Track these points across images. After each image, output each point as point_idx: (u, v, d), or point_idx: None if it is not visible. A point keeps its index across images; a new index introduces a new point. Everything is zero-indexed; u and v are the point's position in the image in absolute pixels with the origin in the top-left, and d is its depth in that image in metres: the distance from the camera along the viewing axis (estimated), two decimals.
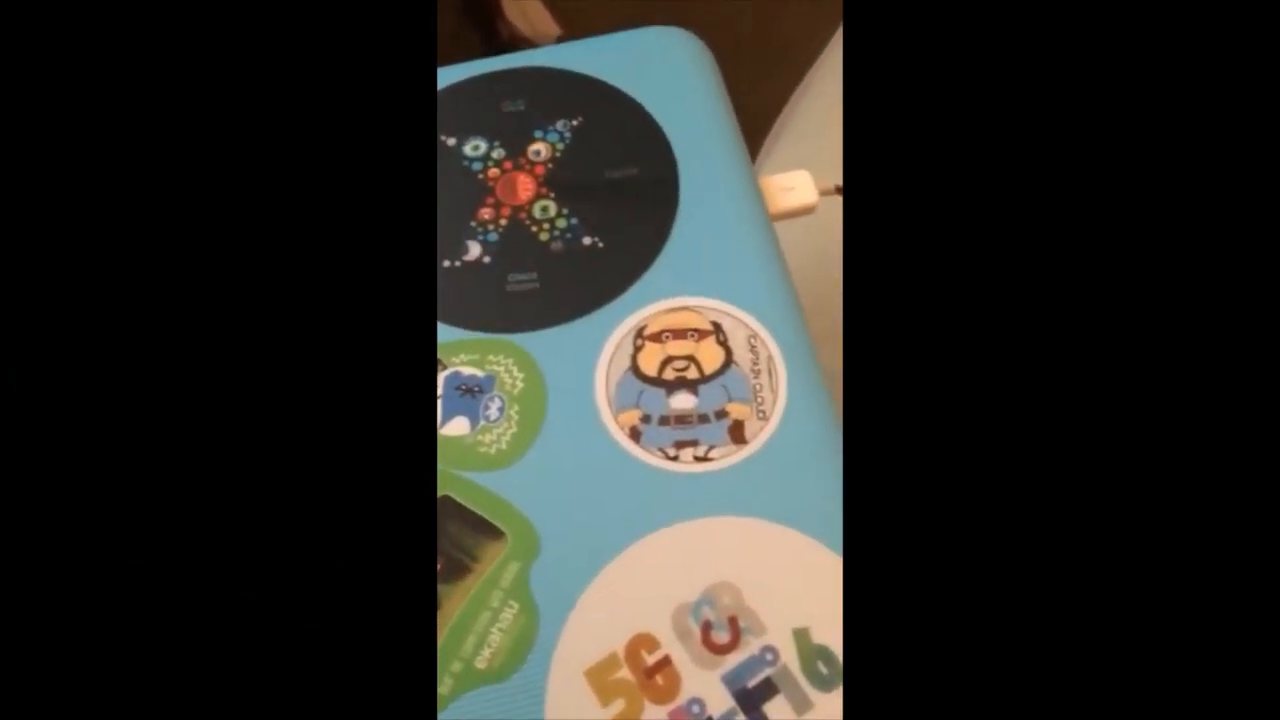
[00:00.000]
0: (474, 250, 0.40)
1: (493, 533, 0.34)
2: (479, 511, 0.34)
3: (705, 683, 0.31)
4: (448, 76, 0.45)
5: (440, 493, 0.35)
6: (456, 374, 0.37)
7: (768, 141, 0.65)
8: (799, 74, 0.69)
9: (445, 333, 0.38)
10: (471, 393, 0.37)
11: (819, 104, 0.62)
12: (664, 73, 0.44)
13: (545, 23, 1.11)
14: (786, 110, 0.66)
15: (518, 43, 1.10)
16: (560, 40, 1.11)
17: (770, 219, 0.40)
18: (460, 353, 0.37)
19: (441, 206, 0.41)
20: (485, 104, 0.43)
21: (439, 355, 0.37)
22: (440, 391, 0.37)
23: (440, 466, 0.35)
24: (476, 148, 0.42)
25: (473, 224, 0.40)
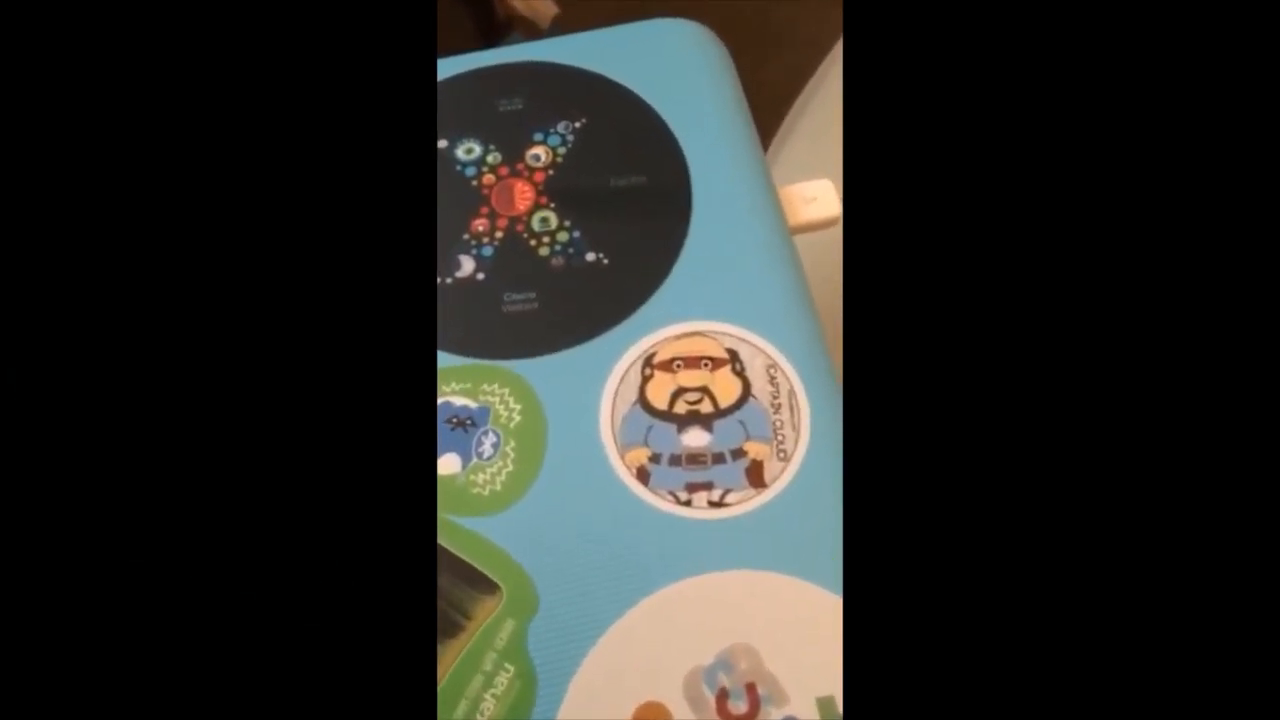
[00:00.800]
0: (467, 266, 0.36)
1: (486, 586, 0.30)
2: (471, 561, 0.31)
3: None
4: (437, 71, 0.41)
5: None
6: (448, 404, 0.34)
7: (776, 140, 0.61)
8: (811, 63, 0.65)
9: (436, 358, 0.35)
10: (464, 426, 0.33)
11: (836, 97, 0.58)
12: (674, 69, 0.40)
13: (543, 1, 1.07)
14: (798, 105, 0.63)
15: (514, 22, 1.06)
16: (558, 19, 1.06)
17: (790, 233, 0.37)
18: (452, 380, 0.34)
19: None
20: (479, 102, 0.40)
21: None
22: None
23: None
24: (470, 151, 0.39)
25: (466, 237, 0.37)
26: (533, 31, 1.04)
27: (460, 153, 0.39)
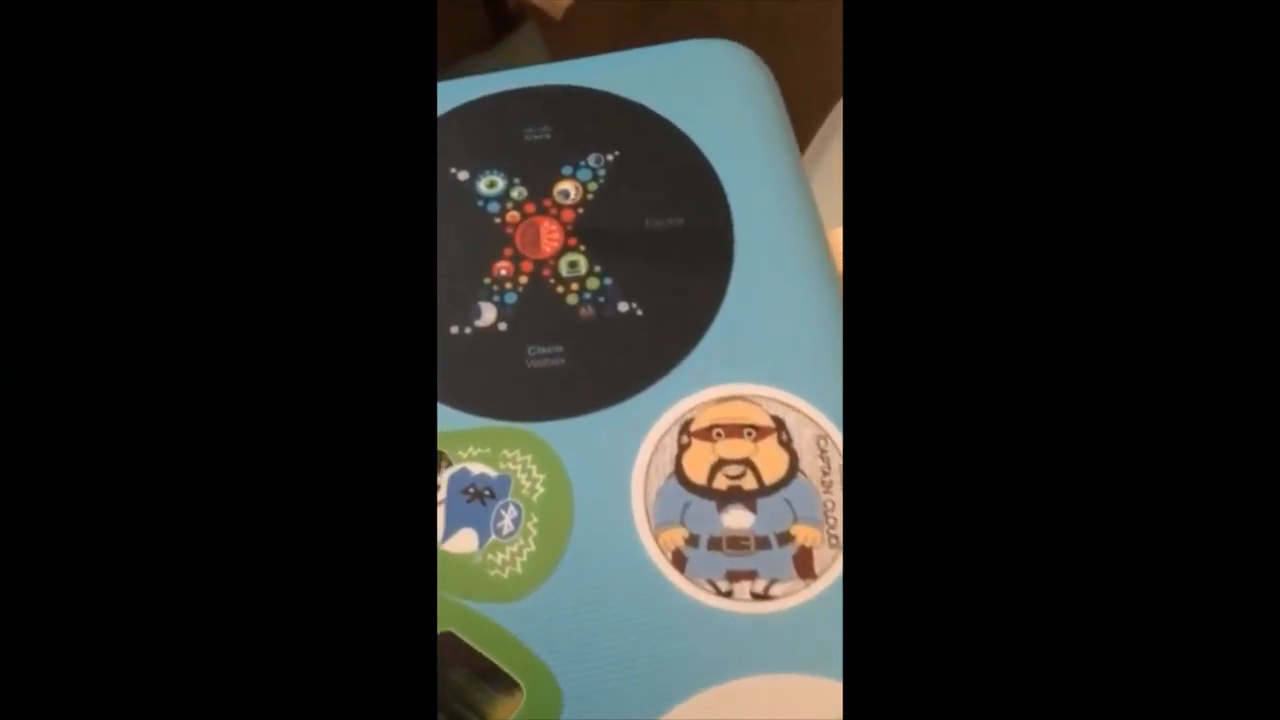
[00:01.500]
0: (488, 314, 0.33)
1: (504, 684, 0.27)
2: (488, 654, 0.28)
3: None
4: (457, 92, 0.38)
5: (441, 627, 0.28)
6: (464, 472, 0.31)
7: (804, 161, 0.58)
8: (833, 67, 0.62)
9: (450, 418, 0.32)
10: (481, 497, 0.30)
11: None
12: (716, 98, 0.37)
13: None
14: (830, 123, 0.59)
15: (527, 12, 1.02)
16: (570, 11, 1.03)
17: (844, 285, 0.34)
18: (469, 444, 0.31)
19: (449, 257, 0.34)
20: (504, 130, 0.37)
21: (441, 447, 0.31)
22: (443, 495, 0.30)
23: (441, 593, 0.29)
24: (493, 184, 0.36)
25: (487, 281, 0.34)
26: (546, 22, 1.00)
27: (482, 186, 0.36)
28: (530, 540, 0.29)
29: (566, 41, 0.98)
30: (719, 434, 0.31)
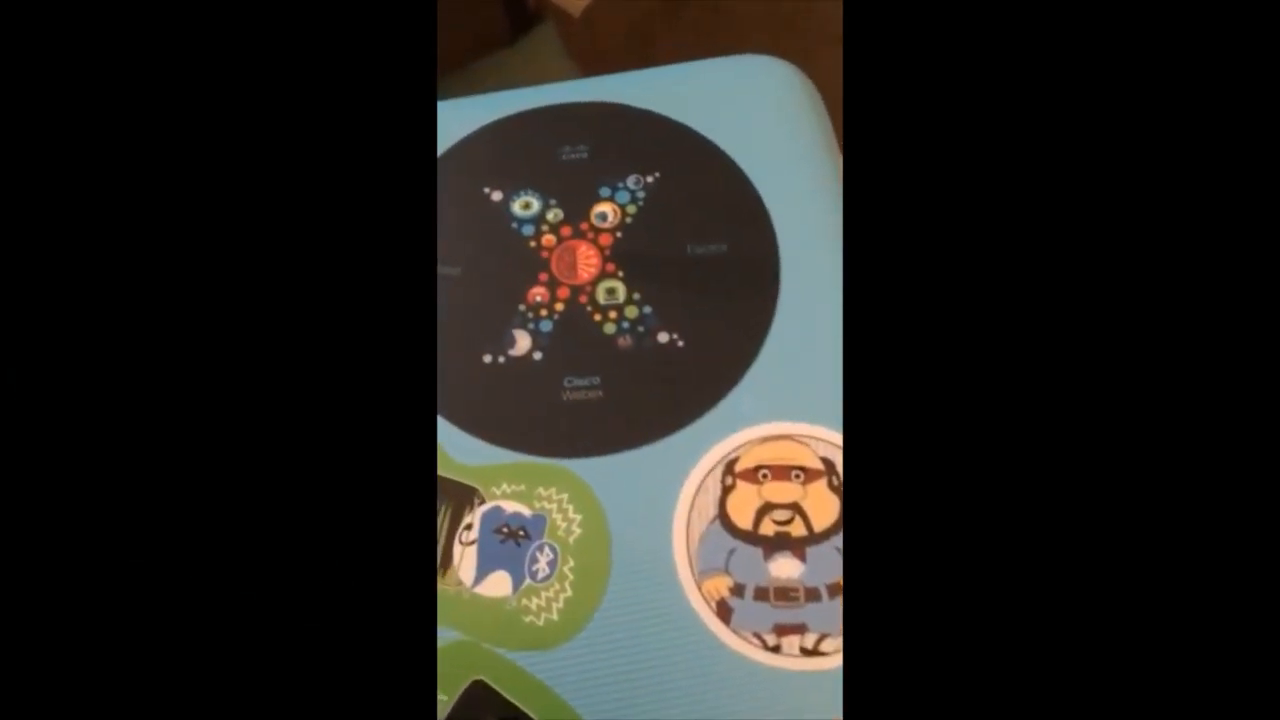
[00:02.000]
0: (523, 343, 0.32)
1: None
2: (521, 705, 0.27)
3: None
4: (489, 108, 0.37)
5: (472, 675, 0.27)
6: (497, 511, 0.29)
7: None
8: None
9: (483, 452, 0.30)
10: (515, 538, 0.29)
11: None
12: (760, 117, 0.36)
13: None
14: None
15: (546, 10, 1.01)
16: (589, 10, 1.02)
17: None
18: (503, 481, 0.30)
19: (482, 281, 0.33)
20: (539, 149, 0.35)
21: (474, 482, 0.30)
22: (475, 535, 0.29)
23: (472, 639, 0.28)
24: (528, 206, 0.34)
25: (522, 308, 0.32)
26: (564, 21, 0.99)
27: (516, 207, 0.34)
28: (567, 585, 0.28)
29: (585, 41, 0.96)
30: (765, 475, 0.29)
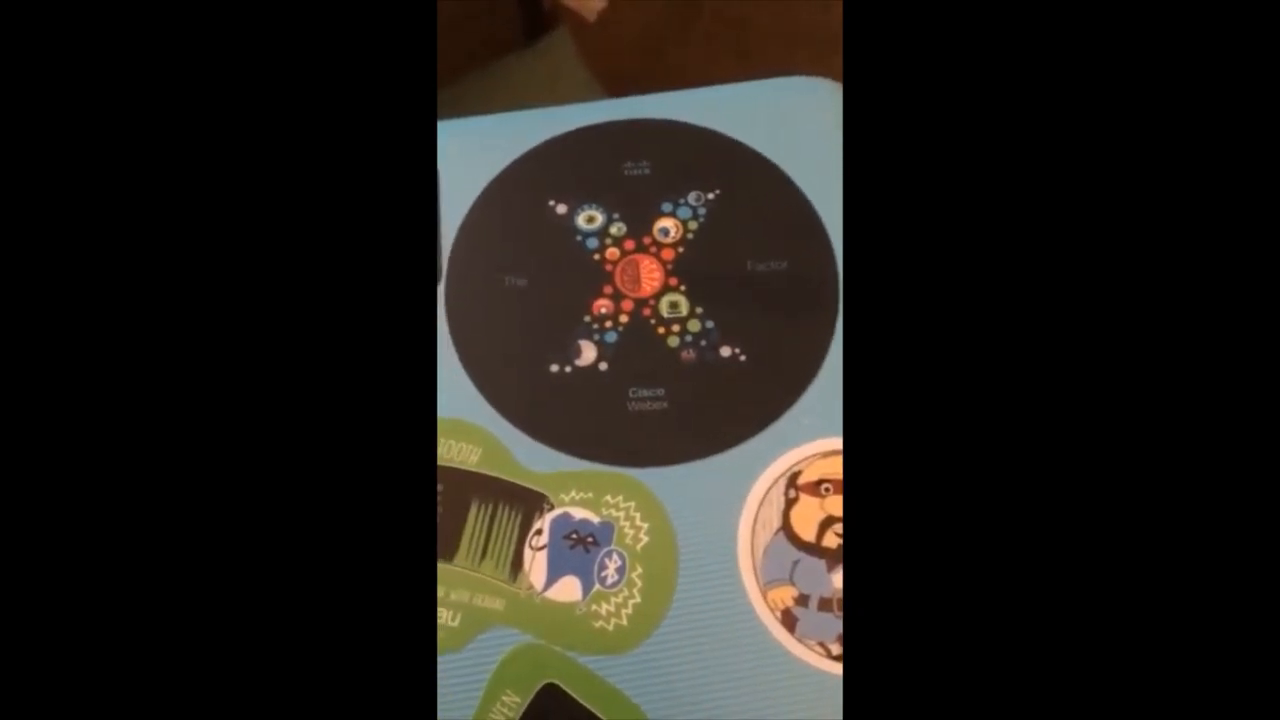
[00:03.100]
0: (588, 353, 0.33)
1: None
2: (592, 708, 0.27)
3: None
4: (554, 122, 0.37)
5: (544, 679, 0.28)
6: (566, 517, 0.30)
7: None
8: None
9: (551, 459, 0.31)
10: (584, 544, 0.30)
11: None
12: (816, 137, 0.36)
13: None
14: None
15: (561, 14, 1.02)
16: (604, 13, 1.03)
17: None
18: (571, 488, 0.30)
19: (550, 291, 0.34)
20: (602, 163, 0.36)
21: (543, 489, 0.31)
22: (546, 540, 0.30)
23: (544, 641, 0.28)
24: (592, 219, 0.35)
25: (587, 319, 0.33)
26: (579, 25, 1.00)
27: (581, 220, 0.35)
28: (635, 592, 0.29)
29: (599, 45, 0.97)
30: (828, 489, 0.30)
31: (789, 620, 0.28)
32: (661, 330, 0.33)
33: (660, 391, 0.32)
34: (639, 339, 0.33)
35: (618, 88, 0.84)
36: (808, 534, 0.29)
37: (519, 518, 0.30)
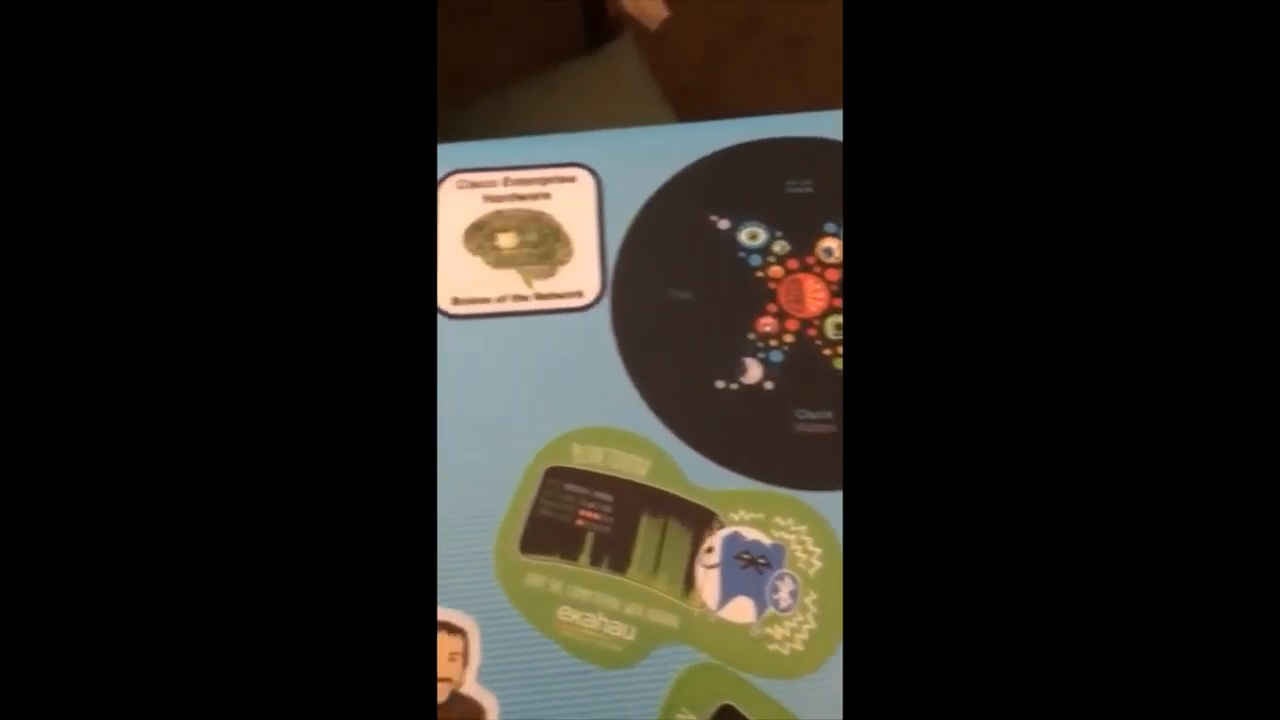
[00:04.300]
0: (754, 371, 0.32)
1: None
2: None
3: None
4: (714, 136, 0.37)
5: (720, 699, 0.28)
6: (737, 537, 0.30)
7: None
8: None
9: (720, 477, 0.31)
10: (756, 565, 0.29)
11: None
12: None
13: (653, 3, 1.04)
14: None
15: (625, 21, 1.02)
16: (667, 22, 1.03)
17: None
18: (740, 507, 0.30)
19: (713, 307, 0.33)
20: (764, 179, 0.36)
21: (712, 506, 0.30)
22: (718, 558, 0.30)
23: (718, 661, 0.28)
24: (754, 236, 0.35)
25: (751, 336, 0.33)
26: (642, 33, 1.00)
27: (744, 237, 0.35)
28: (809, 617, 0.29)
29: (662, 53, 0.97)
30: None
31: None
32: (828, 352, 0.33)
33: (828, 414, 0.32)
34: (804, 360, 0.33)
35: (681, 98, 0.84)
36: None
37: (690, 534, 0.30)
